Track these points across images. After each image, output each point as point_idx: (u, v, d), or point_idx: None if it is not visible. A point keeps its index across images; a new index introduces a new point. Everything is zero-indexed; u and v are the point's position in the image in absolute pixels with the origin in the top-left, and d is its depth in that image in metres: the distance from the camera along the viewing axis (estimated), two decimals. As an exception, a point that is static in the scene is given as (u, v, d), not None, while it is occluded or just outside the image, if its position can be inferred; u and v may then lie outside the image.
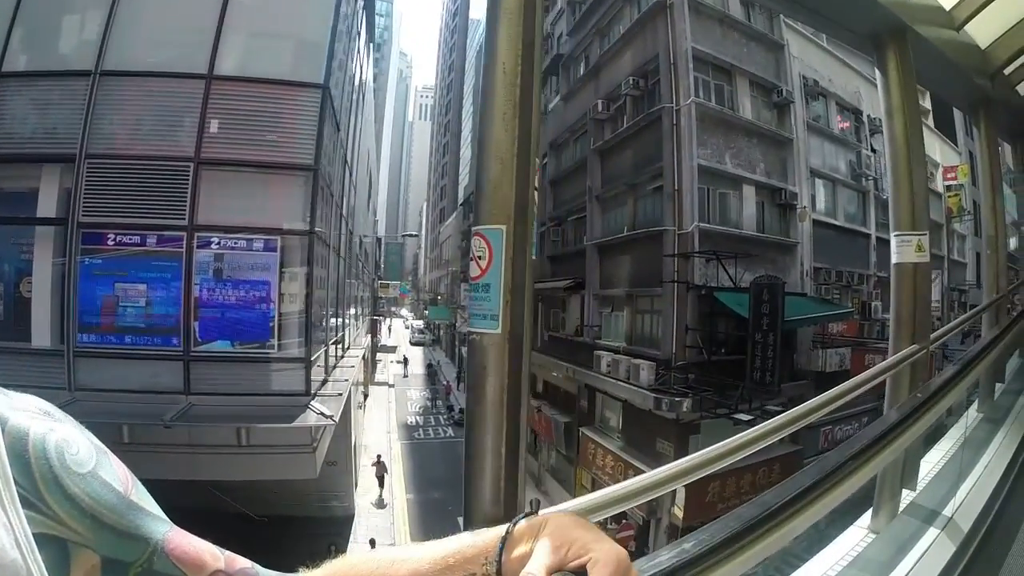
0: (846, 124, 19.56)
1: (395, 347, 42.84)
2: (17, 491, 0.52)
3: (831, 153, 18.68)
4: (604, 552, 0.58)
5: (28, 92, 9.63)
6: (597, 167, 17.90)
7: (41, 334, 9.41)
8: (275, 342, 9.92)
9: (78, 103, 9.32)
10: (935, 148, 23.97)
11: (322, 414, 9.55)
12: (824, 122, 18.82)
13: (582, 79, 19.69)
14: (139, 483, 0.65)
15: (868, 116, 20.12)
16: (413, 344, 51.61)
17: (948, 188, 22.33)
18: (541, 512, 0.70)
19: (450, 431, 27.46)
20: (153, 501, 0.65)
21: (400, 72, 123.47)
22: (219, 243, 9.74)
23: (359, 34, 15.94)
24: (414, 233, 47.69)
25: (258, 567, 0.68)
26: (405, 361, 41.60)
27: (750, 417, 11.68)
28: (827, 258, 17.54)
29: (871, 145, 20.08)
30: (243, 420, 8.86)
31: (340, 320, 15.88)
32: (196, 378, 9.41)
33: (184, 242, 9.42)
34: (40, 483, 0.55)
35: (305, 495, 14.08)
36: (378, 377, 36.28)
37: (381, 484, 19.50)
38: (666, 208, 14.31)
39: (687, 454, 1.60)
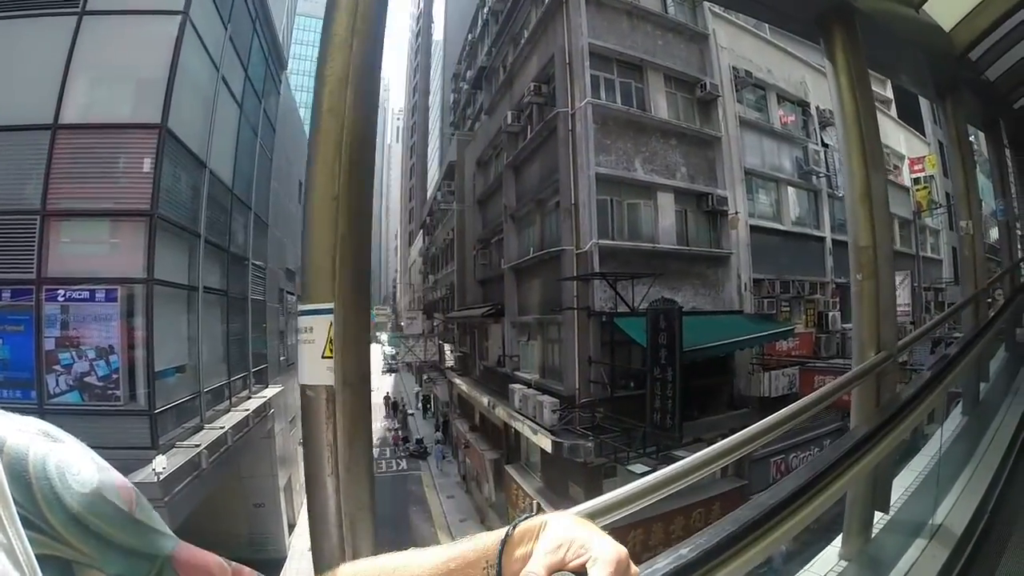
0: (790, 118, 17.91)
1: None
2: (18, 512, 0.52)
3: (772, 151, 17.04)
4: (604, 550, 0.57)
5: None
6: (511, 183, 16.45)
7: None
8: (120, 393, 9.69)
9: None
10: (900, 139, 22.27)
11: (154, 470, 9.03)
12: (764, 117, 17.23)
13: (499, 90, 18.30)
14: (144, 499, 0.65)
15: (817, 108, 18.52)
16: (384, 372, 50.42)
17: (916, 181, 20.53)
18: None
19: (404, 464, 26.07)
20: (158, 517, 0.65)
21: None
22: (65, 295, 9.68)
23: (246, 65, 14.82)
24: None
25: None
26: None
27: (646, 469, 10.00)
28: (771, 267, 15.87)
29: (821, 139, 18.44)
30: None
31: (236, 362, 14.75)
32: (50, 430, 9.22)
33: (33, 295, 9.50)
34: (42, 504, 0.55)
35: (235, 536, 14.36)
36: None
37: None
38: (563, 225, 12.76)
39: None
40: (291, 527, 17.74)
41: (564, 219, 12.62)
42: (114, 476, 0.63)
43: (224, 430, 11.99)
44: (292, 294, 22.60)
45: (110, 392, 9.66)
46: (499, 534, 0.65)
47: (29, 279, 9.49)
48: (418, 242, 44.16)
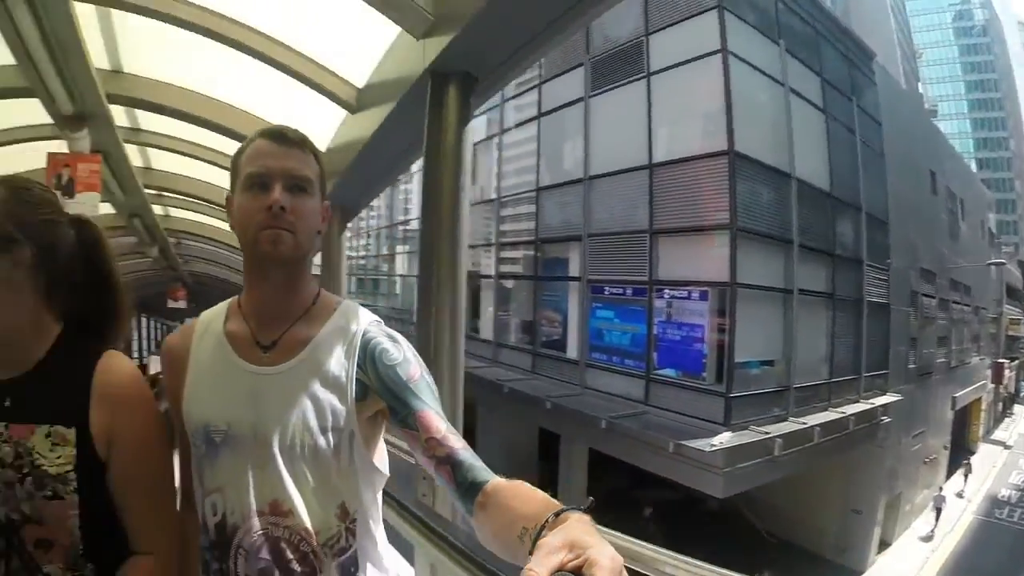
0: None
1: None
2: (357, 357, 1.05)
3: None
4: (601, 554, 0.58)
5: (554, 197, 15.66)
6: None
7: (572, 349, 14.83)
8: (705, 375, 11.94)
9: (579, 200, 14.46)
10: None
11: (711, 442, 10.49)
12: None
13: None
14: (427, 382, 1.05)
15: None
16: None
17: None
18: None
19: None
20: (428, 392, 1.03)
21: None
22: (668, 294, 12.65)
23: (819, 70, 14.53)
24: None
25: (465, 453, 0.95)
26: None
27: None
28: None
29: None
30: (670, 433, 11.04)
31: (841, 365, 14.57)
32: (652, 394, 12.57)
33: (647, 293, 12.81)
34: (367, 361, 1.05)
35: (821, 532, 14.39)
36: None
37: None
38: None
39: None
40: (885, 544, 15.91)
41: None
42: (413, 364, 1.05)
43: (806, 426, 12.01)
44: (930, 297, 19.96)
45: (697, 373, 11.92)
46: (547, 515, 0.73)
47: (644, 280, 12.74)
48: None
